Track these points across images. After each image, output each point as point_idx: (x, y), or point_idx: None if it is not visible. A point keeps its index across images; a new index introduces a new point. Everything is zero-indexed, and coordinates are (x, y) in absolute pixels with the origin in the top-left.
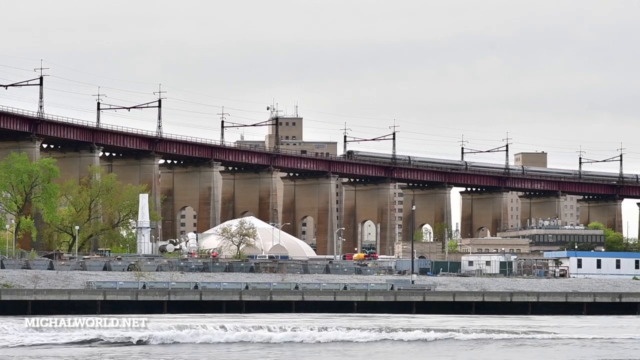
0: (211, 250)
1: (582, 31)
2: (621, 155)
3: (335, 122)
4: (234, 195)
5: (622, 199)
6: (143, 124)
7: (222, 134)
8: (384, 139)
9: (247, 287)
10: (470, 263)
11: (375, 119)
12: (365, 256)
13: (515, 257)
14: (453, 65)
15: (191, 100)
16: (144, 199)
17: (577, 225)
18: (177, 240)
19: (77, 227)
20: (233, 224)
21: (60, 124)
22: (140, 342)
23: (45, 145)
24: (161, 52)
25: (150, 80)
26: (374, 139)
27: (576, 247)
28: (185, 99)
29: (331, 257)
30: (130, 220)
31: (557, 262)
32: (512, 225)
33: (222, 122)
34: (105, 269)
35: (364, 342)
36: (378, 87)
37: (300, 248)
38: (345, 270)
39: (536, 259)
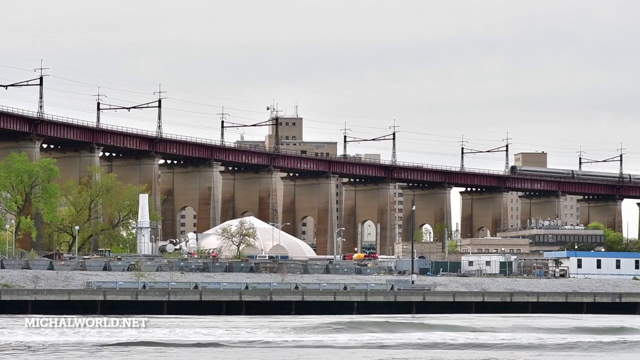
0: (211, 250)
1: (584, 31)
2: (621, 155)
3: (335, 122)
4: (234, 195)
5: (622, 199)
6: (143, 124)
7: (222, 134)
8: (384, 139)
9: (247, 287)
10: (470, 263)
11: (376, 119)
12: (365, 256)
13: (515, 257)
14: (454, 65)
15: (191, 100)
16: (144, 199)
17: (577, 225)
18: (177, 240)
19: (77, 227)
20: (233, 224)
21: (60, 124)
22: None
23: (45, 145)
24: (161, 52)
25: (151, 80)
26: (374, 139)
27: (576, 247)
28: (185, 99)
29: (331, 257)
30: (130, 220)
31: (557, 262)
32: (512, 225)
33: (222, 122)
34: (105, 269)
35: None
36: (378, 87)
37: (300, 248)
38: (345, 270)
39: (536, 259)
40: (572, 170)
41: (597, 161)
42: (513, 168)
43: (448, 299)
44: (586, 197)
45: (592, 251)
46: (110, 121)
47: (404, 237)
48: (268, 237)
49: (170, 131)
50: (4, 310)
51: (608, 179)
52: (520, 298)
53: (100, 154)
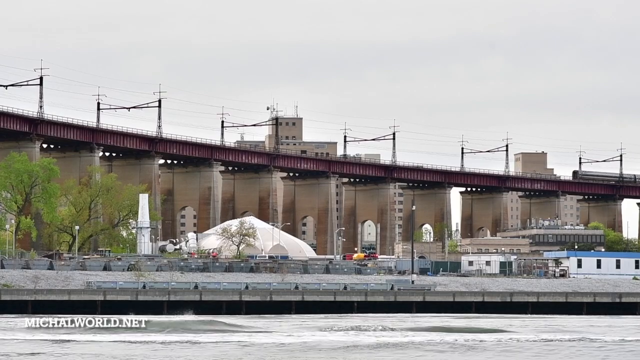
0: (211, 250)
1: (584, 31)
2: (621, 155)
3: (335, 122)
4: (234, 195)
5: (622, 199)
6: (143, 124)
7: (222, 134)
8: (384, 139)
9: (247, 287)
10: (470, 263)
11: (376, 119)
12: (365, 256)
13: (515, 257)
14: (454, 65)
15: (191, 100)
16: (144, 199)
17: (577, 225)
18: (177, 240)
19: (77, 227)
20: (233, 224)
21: (60, 124)
22: None
23: (45, 145)
24: (161, 52)
25: (151, 80)
26: (374, 139)
27: (576, 247)
28: (185, 99)
29: (331, 257)
30: (130, 220)
31: (557, 262)
32: (512, 225)
33: (222, 122)
34: (105, 269)
35: None
36: (378, 87)
37: (300, 248)
38: (345, 270)
39: (536, 259)
40: (635, 175)
41: (597, 161)
42: (575, 172)
43: (448, 299)
44: (586, 197)
45: (592, 251)
46: (110, 121)
47: (404, 237)
48: (268, 237)
49: (170, 131)
50: (4, 310)
51: (608, 179)
52: (520, 298)
53: (100, 154)
